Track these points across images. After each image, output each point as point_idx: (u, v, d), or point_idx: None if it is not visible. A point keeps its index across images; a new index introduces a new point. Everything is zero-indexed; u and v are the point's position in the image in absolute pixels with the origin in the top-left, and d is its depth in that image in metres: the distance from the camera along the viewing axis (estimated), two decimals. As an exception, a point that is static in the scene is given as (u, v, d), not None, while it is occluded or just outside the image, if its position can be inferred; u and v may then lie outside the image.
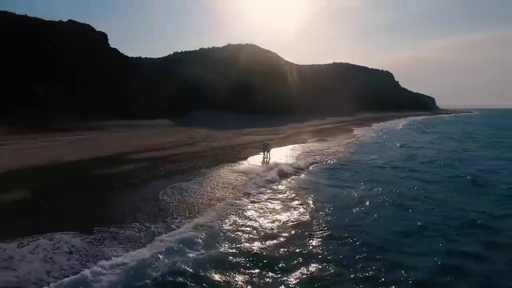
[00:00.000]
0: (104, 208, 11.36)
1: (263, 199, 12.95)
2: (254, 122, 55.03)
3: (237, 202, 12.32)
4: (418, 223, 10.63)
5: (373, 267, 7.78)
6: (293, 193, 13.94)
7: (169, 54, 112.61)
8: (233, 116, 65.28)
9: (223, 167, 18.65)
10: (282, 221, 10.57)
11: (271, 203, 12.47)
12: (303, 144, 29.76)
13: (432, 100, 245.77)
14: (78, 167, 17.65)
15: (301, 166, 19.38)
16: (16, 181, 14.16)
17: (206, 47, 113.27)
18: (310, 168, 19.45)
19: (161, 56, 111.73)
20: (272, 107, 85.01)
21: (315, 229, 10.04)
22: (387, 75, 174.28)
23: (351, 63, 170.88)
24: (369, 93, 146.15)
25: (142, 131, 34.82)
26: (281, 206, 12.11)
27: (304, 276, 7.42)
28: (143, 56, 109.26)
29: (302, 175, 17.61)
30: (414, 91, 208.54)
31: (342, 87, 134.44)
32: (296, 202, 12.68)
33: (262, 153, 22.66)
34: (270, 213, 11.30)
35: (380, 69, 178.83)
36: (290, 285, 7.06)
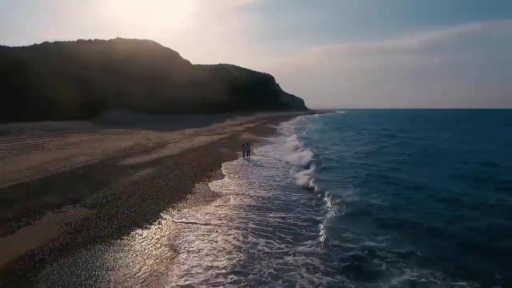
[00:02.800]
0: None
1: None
2: (175, 122, 53.77)
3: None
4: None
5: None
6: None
7: (34, 44, 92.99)
8: (146, 116, 61.39)
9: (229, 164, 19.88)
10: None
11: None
12: (262, 142, 32.58)
13: (302, 101, 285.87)
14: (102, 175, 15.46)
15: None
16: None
17: (86, 39, 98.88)
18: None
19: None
20: (179, 106, 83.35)
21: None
22: (271, 78, 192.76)
23: (237, 65, 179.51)
24: (256, 94, 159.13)
25: (75, 135, 30.00)
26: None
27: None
28: None
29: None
30: (289, 92, 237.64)
31: (232, 88, 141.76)
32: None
33: (241, 151, 23.66)
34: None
35: (263, 72, 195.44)
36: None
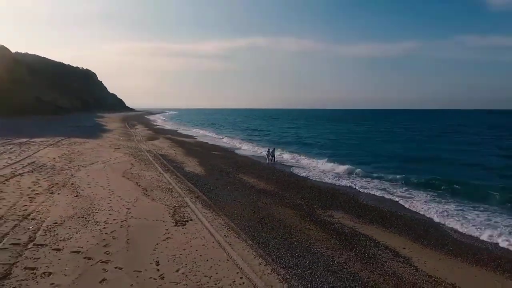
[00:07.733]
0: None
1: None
2: (39, 127, 42.39)
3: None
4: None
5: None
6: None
7: None
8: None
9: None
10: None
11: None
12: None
13: (122, 100, 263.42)
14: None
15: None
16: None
17: None
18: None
19: None
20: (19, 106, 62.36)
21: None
22: (92, 74, 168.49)
23: (42, 56, 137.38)
24: (82, 92, 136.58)
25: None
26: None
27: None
28: None
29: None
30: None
31: (53, 85, 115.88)
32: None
33: (267, 158, 23.27)
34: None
35: (81, 67, 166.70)
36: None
